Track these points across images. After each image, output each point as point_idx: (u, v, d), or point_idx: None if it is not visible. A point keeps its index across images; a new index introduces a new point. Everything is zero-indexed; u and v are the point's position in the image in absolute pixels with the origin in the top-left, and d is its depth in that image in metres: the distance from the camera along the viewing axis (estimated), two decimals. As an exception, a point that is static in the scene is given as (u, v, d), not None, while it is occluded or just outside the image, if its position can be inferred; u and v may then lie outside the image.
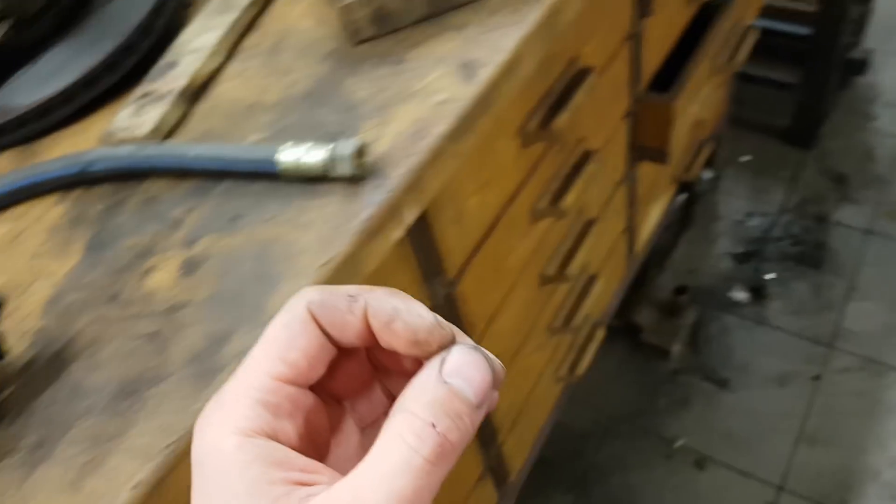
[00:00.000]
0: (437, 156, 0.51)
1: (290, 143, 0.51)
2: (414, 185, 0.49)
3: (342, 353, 0.25)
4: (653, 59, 1.07)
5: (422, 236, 0.62)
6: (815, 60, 1.66)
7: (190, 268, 0.50)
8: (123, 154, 0.56)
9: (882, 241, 1.66)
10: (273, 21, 0.68)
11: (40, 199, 0.59)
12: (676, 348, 1.54)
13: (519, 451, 1.10)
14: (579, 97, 0.79)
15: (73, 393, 0.44)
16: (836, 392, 1.45)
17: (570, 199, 0.88)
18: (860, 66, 1.88)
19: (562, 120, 0.77)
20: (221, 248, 0.50)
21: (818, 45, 1.63)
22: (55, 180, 0.57)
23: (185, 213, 0.53)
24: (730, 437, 1.43)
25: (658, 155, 1.13)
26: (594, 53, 0.86)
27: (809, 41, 1.63)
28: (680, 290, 1.55)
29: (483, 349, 0.24)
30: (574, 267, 0.96)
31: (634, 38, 0.98)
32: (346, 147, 0.47)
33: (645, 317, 1.57)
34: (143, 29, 0.65)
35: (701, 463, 1.41)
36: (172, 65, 0.64)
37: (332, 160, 0.47)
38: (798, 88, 1.73)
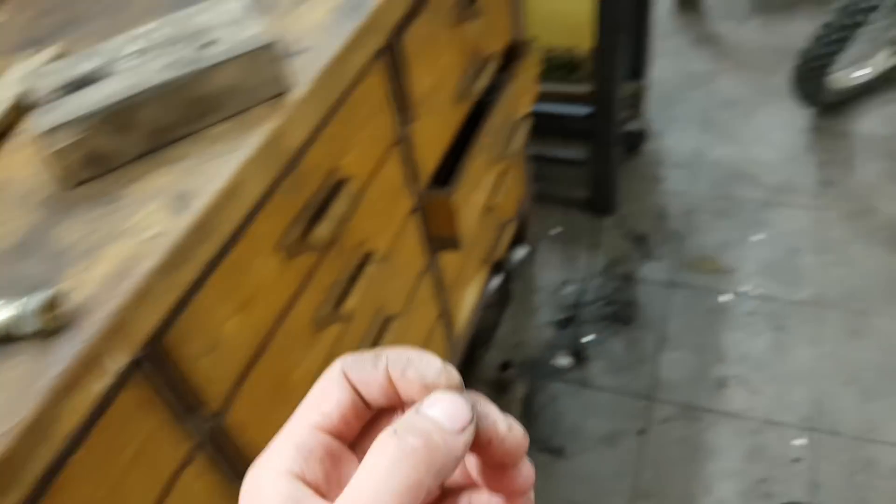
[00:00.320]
0: (145, 294, 0.50)
1: (-20, 303, 0.47)
2: (116, 328, 0.47)
3: (379, 417, 0.28)
4: (430, 156, 1.12)
5: (164, 373, 0.59)
6: (598, 136, 1.81)
7: None
8: None
9: (684, 291, 1.79)
10: (-8, 168, 0.65)
11: None
12: (512, 424, 1.55)
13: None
14: (339, 206, 0.80)
15: None
16: (662, 443, 1.52)
17: (351, 302, 0.88)
18: (640, 137, 2.08)
19: (321, 230, 0.77)
20: None
21: (597, 123, 1.78)
22: None
23: None
24: (571, 506, 1.45)
25: (450, 243, 1.18)
26: (356, 163, 0.89)
27: (590, 120, 1.79)
28: (504, 366, 1.59)
29: (470, 393, 0.26)
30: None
31: (403, 142, 1.02)
32: (31, 303, 0.45)
33: (478, 397, 1.58)
34: None
35: (548, 536, 1.42)
36: None
37: (17, 318, 0.45)
38: (589, 163, 1.88)
